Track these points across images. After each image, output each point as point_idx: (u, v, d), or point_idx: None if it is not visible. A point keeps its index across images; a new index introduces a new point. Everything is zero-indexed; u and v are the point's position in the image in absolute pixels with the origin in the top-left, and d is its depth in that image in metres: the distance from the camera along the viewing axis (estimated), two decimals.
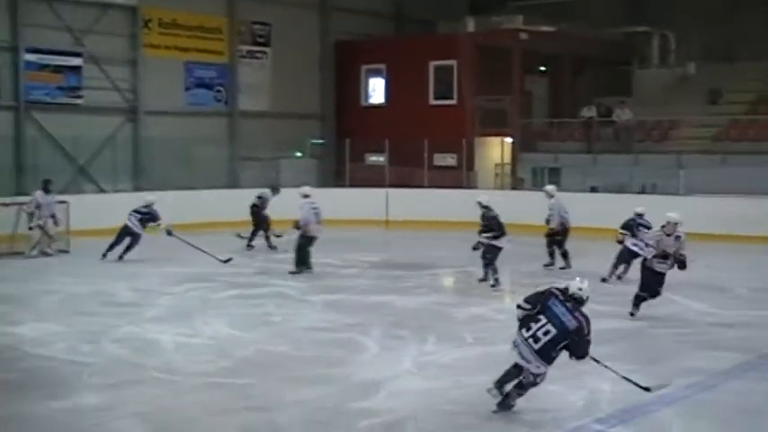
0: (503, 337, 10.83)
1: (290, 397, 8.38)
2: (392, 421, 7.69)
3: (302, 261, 15.68)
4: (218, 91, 27.03)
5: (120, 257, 17.09)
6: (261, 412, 7.99)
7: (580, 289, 7.91)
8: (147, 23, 25.19)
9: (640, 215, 15.33)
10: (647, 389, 8.00)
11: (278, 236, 18.79)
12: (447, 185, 24.35)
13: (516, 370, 7.86)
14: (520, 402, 7.93)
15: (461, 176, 25.58)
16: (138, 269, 16.00)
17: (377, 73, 29.37)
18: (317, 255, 15.80)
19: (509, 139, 27.83)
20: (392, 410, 7.96)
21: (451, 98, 27.78)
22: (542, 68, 30.27)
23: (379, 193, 23.24)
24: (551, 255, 16.81)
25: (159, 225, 17.40)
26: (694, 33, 29.21)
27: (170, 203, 18.68)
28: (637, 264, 13.23)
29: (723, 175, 22.25)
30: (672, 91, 28.57)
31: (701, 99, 26.93)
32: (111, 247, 17.19)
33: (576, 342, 7.74)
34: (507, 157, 27.95)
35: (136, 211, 17.43)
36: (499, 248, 14.62)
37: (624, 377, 8.11)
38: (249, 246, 19.10)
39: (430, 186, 24.67)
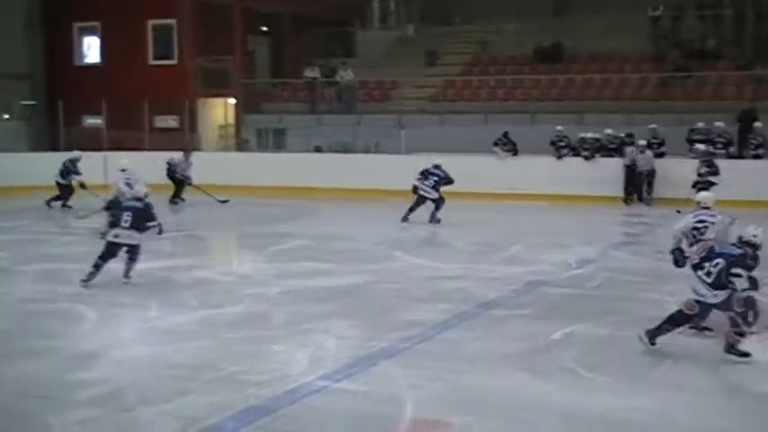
0: (228, 299, 10.74)
1: (6, 372, 7.77)
2: (112, 390, 7.28)
3: None
4: None
5: None
6: None
7: (755, 236, 8.29)
8: None
9: (437, 166, 17.30)
10: None
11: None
12: (169, 148, 23.63)
13: (679, 314, 8.23)
14: (245, 361, 7.86)
15: (184, 138, 24.91)
16: None
17: (91, 31, 27.85)
18: (25, 223, 14.84)
19: (232, 100, 27.46)
20: (112, 380, 7.55)
21: (172, 58, 26.87)
22: (264, 28, 30.03)
23: (96, 156, 22.14)
24: None
25: None
26: None
27: None
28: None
29: (441, 134, 23.10)
30: (392, 52, 29.27)
31: (420, 60, 27.78)
32: None
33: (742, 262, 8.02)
34: (231, 119, 27.60)
35: None
36: None
37: None
38: None
39: (151, 149, 23.84)
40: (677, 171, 19.46)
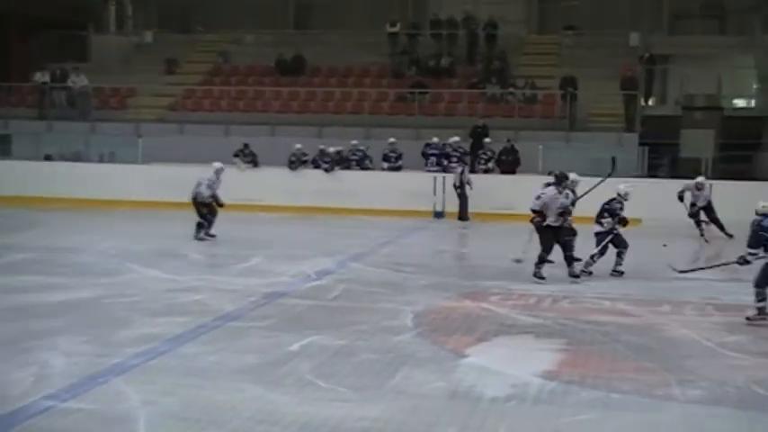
0: None
1: None
2: None
3: None
4: None
5: None
6: None
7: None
8: None
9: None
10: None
11: None
12: None
13: None
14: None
15: None
16: None
17: None
18: None
19: None
20: None
21: None
22: None
23: None
24: None
25: None
26: (151, 2, 29.27)
27: None
28: None
29: (180, 144, 22.63)
30: (129, 58, 28.40)
31: (159, 68, 27.11)
32: None
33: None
34: None
35: None
36: None
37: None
38: None
39: None
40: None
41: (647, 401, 7.46)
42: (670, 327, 10.08)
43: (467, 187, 20.00)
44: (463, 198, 20.05)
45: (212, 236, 16.27)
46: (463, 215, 20.02)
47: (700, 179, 17.57)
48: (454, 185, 20.22)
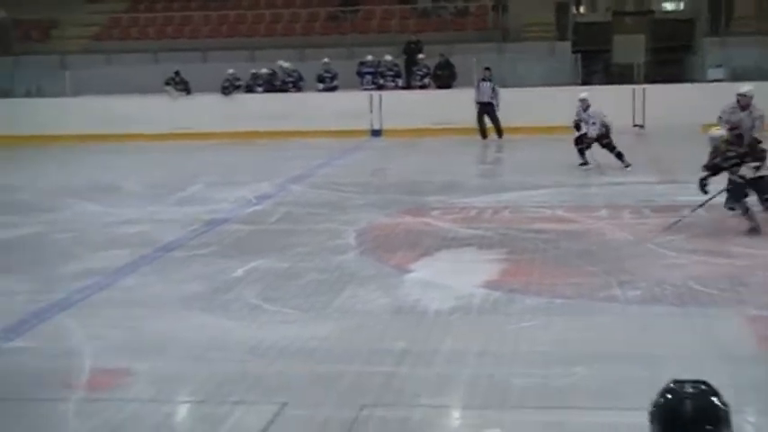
0: None
1: None
2: None
3: None
4: None
5: None
6: None
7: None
8: None
9: None
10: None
11: None
12: None
13: None
14: None
15: None
16: None
17: None
18: None
19: None
20: None
21: None
22: None
23: None
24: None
25: None
26: None
27: None
28: None
29: (109, 74, 22.13)
30: None
31: None
32: None
33: None
34: None
35: None
36: None
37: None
38: None
39: None
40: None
41: (590, 304, 7.62)
42: (609, 230, 10.25)
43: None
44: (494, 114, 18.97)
45: None
46: (501, 130, 18.86)
47: (583, 95, 15.07)
48: (482, 103, 18.97)
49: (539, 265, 8.92)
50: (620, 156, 14.39)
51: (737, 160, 9.79)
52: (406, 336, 6.88)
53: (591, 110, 14.66)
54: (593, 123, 14.52)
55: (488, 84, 18.91)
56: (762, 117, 11.17)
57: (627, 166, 14.25)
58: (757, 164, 9.81)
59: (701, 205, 10.12)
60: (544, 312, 7.38)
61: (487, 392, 5.81)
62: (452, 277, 8.53)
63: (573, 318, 7.29)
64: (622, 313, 7.35)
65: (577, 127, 14.90)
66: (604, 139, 14.48)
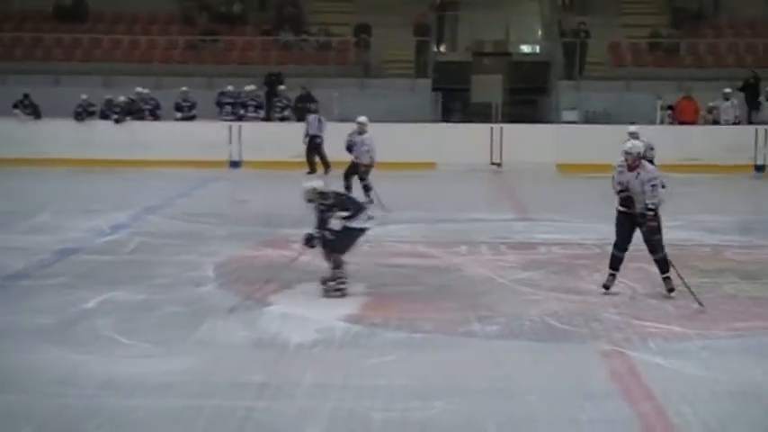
0: None
1: None
2: None
3: None
4: None
5: None
6: None
7: None
8: None
9: None
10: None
11: None
12: None
13: None
14: None
15: None
16: None
17: None
18: None
19: None
20: None
21: None
22: None
23: None
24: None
25: None
26: None
27: None
28: None
29: None
30: None
31: None
32: None
33: None
34: None
35: None
36: None
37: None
38: None
39: None
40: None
41: (449, 339, 7.68)
42: (468, 266, 10.40)
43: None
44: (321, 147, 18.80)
45: None
46: (328, 164, 18.50)
47: (361, 118, 14.68)
48: (312, 136, 18.86)
49: (398, 299, 8.96)
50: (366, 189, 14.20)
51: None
52: (267, 369, 6.77)
53: (365, 136, 14.45)
54: (366, 151, 14.34)
55: (315, 116, 19.02)
56: (652, 180, 8.73)
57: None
58: (345, 213, 9.05)
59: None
60: (404, 346, 7.40)
61: (348, 427, 5.76)
62: (313, 310, 8.47)
63: (432, 352, 7.32)
64: (481, 348, 7.44)
65: (349, 149, 14.61)
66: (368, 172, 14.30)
